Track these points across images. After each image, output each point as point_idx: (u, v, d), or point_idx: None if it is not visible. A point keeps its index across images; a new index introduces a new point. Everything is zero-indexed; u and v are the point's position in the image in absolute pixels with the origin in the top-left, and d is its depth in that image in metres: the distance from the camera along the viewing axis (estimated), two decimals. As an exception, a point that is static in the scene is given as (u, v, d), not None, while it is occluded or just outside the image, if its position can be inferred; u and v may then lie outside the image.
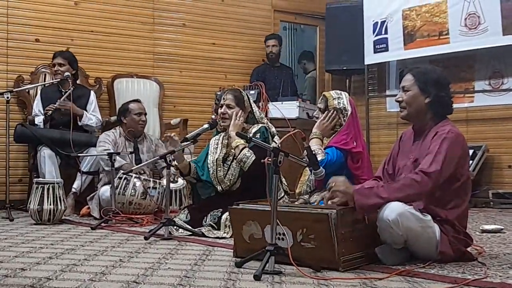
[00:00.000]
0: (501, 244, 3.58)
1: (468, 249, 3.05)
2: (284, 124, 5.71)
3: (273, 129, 4.33)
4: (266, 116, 5.27)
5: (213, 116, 5.84)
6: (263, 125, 4.27)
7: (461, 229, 3.00)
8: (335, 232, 2.74)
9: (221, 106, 4.33)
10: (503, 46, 6.12)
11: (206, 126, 4.28)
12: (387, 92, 7.39)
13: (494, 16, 6.09)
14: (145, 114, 5.56)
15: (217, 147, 4.32)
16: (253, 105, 4.40)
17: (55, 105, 5.46)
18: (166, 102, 6.83)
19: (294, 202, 3.93)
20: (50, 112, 5.46)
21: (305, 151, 3.25)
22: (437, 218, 2.94)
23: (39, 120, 5.58)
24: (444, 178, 2.90)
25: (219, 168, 4.19)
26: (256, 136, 4.09)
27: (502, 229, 4.21)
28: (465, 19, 6.34)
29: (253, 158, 4.01)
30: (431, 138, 3.01)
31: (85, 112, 5.67)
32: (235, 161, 4.13)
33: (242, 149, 4.07)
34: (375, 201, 2.84)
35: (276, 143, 4.14)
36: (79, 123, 5.60)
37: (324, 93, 4.28)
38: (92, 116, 5.71)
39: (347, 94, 4.23)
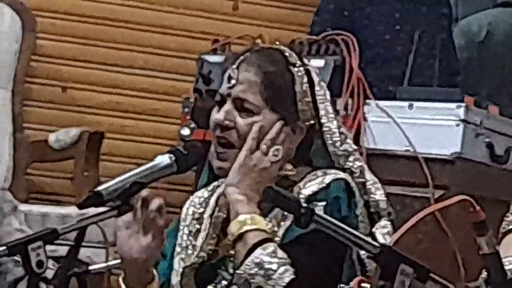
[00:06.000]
0: None
1: None
2: (414, 176, 1.93)
3: (379, 194, 1.20)
4: (358, 146, 1.54)
5: (184, 131, 2.02)
6: (341, 176, 1.18)
7: None
8: None
9: (221, 103, 1.23)
10: None
11: (165, 160, 1.19)
12: None
13: None
14: None
15: (198, 228, 1.25)
16: (324, 106, 1.23)
17: None
18: (39, 75, 2.57)
19: None
20: None
21: (487, 262, 0.86)
22: None
23: None
24: None
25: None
26: (319, 206, 1.09)
27: None
28: None
29: (289, 278, 1.07)
30: None
31: None
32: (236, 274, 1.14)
33: (258, 244, 1.09)
34: None
35: (385, 235, 1.16)
36: None
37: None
38: None
39: None
